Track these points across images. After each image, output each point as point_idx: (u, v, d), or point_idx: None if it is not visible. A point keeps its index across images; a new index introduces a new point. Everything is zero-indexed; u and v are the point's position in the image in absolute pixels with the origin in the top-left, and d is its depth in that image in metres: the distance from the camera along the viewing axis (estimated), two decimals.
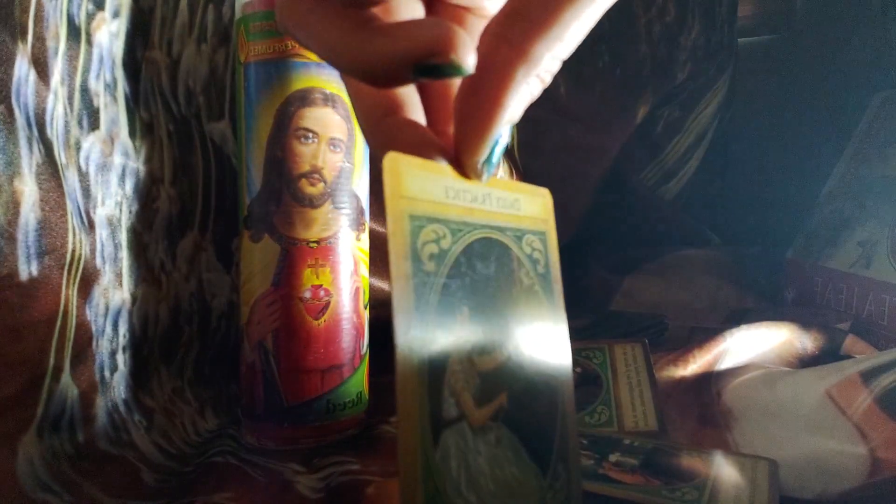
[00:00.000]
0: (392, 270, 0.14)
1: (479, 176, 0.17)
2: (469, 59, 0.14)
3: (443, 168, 0.16)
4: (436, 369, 0.15)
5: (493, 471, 0.16)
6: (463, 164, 0.17)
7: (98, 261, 0.31)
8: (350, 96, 0.19)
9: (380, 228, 0.47)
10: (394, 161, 0.15)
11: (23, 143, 0.27)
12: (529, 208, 0.20)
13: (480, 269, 0.17)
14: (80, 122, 0.31)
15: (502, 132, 0.16)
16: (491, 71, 0.16)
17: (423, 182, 0.16)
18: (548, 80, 0.16)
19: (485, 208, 0.18)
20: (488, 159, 0.17)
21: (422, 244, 0.15)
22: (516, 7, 0.16)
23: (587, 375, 0.35)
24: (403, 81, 0.15)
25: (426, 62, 0.14)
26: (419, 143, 0.17)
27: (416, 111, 0.18)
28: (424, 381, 0.14)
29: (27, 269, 0.27)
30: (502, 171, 0.52)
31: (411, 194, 0.15)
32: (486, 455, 0.15)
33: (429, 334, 0.15)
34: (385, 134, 0.17)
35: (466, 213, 0.17)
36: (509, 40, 0.15)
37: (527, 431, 0.17)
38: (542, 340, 0.19)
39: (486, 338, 0.16)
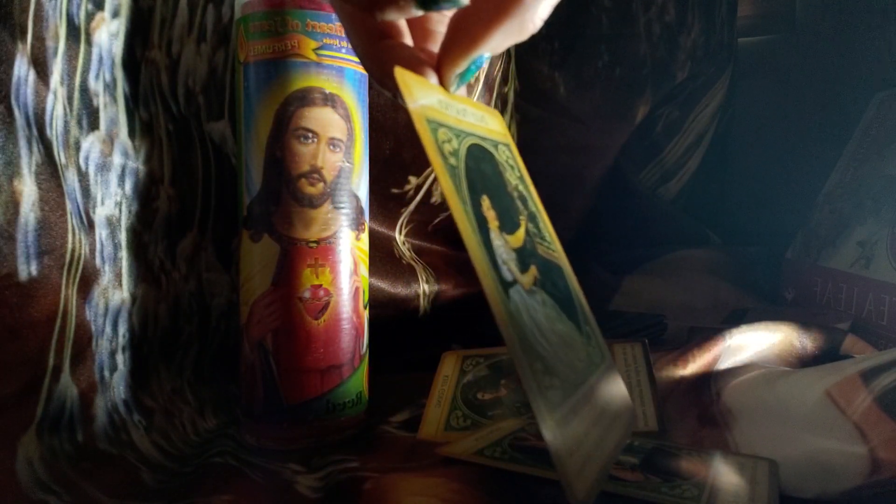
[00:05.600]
0: (432, 163, 0.17)
1: (450, 85, 0.20)
2: None
3: (432, 84, 0.20)
4: (486, 240, 0.17)
5: (550, 325, 0.18)
6: (443, 73, 0.20)
7: (98, 261, 0.31)
8: (344, 24, 0.21)
9: (379, 228, 0.47)
10: (403, 74, 0.18)
11: (22, 142, 0.27)
12: (493, 125, 0.23)
13: (483, 168, 0.20)
14: (79, 122, 0.31)
15: (483, 57, 0.19)
16: (489, 5, 0.18)
17: (424, 93, 0.19)
18: (538, 24, 0.19)
19: (467, 120, 0.21)
20: (463, 74, 0.20)
21: (441, 143, 0.18)
22: None
23: None
24: (407, 13, 0.18)
25: None
26: (411, 61, 0.20)
27: (405, 35, 0.21)
28: (482, 248, 0.17)
29: (27, 268, 0.27)
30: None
31: (421, 101, 0.18)
32: (542, 313, 0.18)
33: (473, 214, 0.17)
34: (381, 54, 0.20)
35: (457, 122, 0.20)
36: None
37: (557, 297, 0.20)
38: (539, 230, 0.22)
39: (506, 221, 0.19)
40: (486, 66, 0.21)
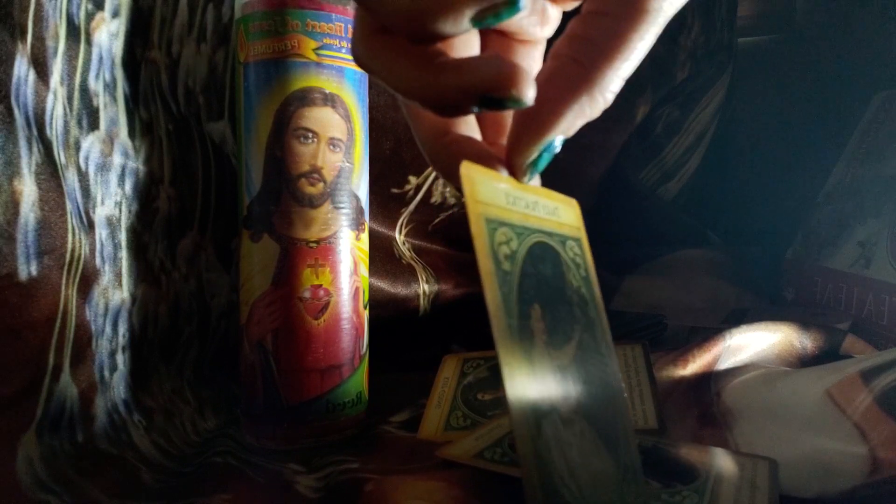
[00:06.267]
0: (480, 269, 0.16)
1: (521, 175, 0.18)
2: (528, 94, 0.16)
3: (502, 176, 0.18)
4: (527, 360, 0.16)
5: (583, 461, 0.17)
6: (512, 162, 0.18)
7: (98, 261, 0.31)
8: (409, 117, 0.20)
9: (379, 228, 0.47)
10: (468, 169, 0.17)
11: (22, 142, 0.27)
12: (566, 217, 0.21)
13: (542, 270, 0.18)
14: (79, 122, 0.31)
15: (555, 142, 0.18)
16: (556, 87, 0.17)
17: (489, 188, 0.17)
18: (610, 98, 0.18)
19: (535, 215, 0.19)
20: (535, 163, 0.18)
21: (497, 245, 0.16)
22: (585, 31, 0.17)
23: None
24: (467, 112, 0.17)
25: (489, 95, 0.16)
26: (478, 156, 0.18)
27: (471, 128, 0.20)
28: (521, 372, 0.15)
29: (27, 269, 0.27)
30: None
31: (483, 199, 0.17)
32: (576, 447, 0.17)
33: (517, 329, 0.16)
34: (446, 149, 0.19)
35: (524, 218, 0.18)
36: (580, 63, 0.17)
37: (600, 426, 0.18)
38: (596, 341, 0.20)
39: (557, 334, 0.18)
40: (559, 148, 0.18)
